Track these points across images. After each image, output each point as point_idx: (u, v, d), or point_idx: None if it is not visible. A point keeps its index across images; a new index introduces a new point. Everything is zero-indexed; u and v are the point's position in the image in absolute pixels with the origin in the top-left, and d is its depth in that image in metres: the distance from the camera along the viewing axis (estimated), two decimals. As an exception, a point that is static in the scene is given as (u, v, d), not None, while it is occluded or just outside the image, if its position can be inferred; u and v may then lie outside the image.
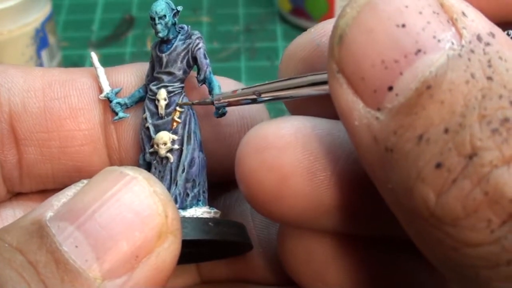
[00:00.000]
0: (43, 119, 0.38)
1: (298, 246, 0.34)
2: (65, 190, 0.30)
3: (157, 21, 0.36)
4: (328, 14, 0.85)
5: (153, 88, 0.37)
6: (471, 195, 0.23)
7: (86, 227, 0.28)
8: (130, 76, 0.39)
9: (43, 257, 0.27)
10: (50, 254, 0.28)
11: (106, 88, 0.38)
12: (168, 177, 0.37)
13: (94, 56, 0.39)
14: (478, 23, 0.26)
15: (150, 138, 0.37)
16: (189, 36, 0.37)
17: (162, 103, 0.37)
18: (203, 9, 0.93)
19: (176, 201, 0.36)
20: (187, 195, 0.37)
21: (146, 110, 0.37)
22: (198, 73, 0.37)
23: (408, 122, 0.25)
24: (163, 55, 0.37)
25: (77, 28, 0.90)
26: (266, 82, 0.34)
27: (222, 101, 0.36)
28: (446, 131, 0.24)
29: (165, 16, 0.36)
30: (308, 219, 0.32)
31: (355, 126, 0.26)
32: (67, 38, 0.87)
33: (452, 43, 0.25)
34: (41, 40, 0.68)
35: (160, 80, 0.37)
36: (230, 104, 0.36)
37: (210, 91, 0.37)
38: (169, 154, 0.37)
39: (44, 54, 0.70)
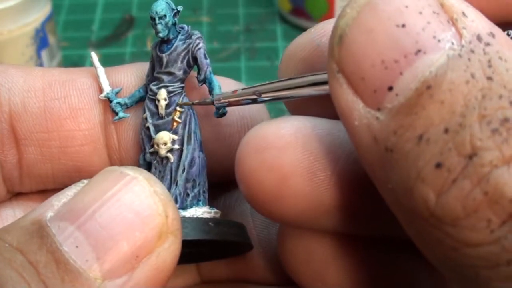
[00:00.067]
0: (43, 119, 0.38)
1: (298, 246, 0.34)
2: (65, 190, 0.30)
3: (157, 21, 0.36)
4: (328, 14, 0.85)
5: (153, 88, 0.37)
6: (471, 195, 0.23)
7: (86, 227, 0.28)
8: (130, 76, 0.39)
9: (44, 257, 0.27)
10: (51, 254, 0.28)
11: (106, 88, 0.38)
12: (168, 177, 0.37)
13: (94, 56, 0.39)
14: (478, 23, 0.26)
15: (150, 138, 0.37)
16: (189, 36, 0.37)
17: (162, 103, 0.37)
18: (203, 9, 0.93)
19: (176, 201, 0.36)
20: (187, 195, 0.37)
21: (146, 110, 0.37)
22: (198, 73, 0.37)
23: (408, 122, 0.25)
24: (163, 55, 0.37)
25: (77, 28, 0.90)
26: (267, 82, 0.34)
27: (222, 101, 0.36)
28: (446, 131, 0.24)
29: (165, 16, 0.36)
30: (308, 219, 0.32)
31: (355, 126, 0.26)
32: (67, 38, 0.87)
33: (452, 43, 0.25)
34: (41, 40, 0.68)
35: (160, 80, 0.37)
36: (230, 104, 0.36)
37: (210, 91, 0.37)
38: (169, 154, 0.37)
39: (44, 54, 0.70)
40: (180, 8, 0.37)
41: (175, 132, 0.37)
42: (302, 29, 0.36)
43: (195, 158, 0.37)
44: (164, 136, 0.37)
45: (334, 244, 0.33)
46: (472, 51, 0.25)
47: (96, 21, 0.91)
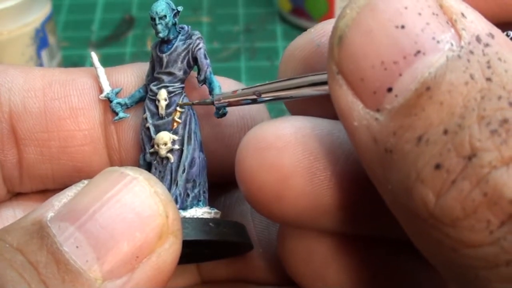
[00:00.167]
0: (43, 119, 0.38)
1: (298, 246, 0.34)
2: (66, 191, 0.30)
3: (157, 21, 0.36)
4: (328, 14, 0.85)
5: (154, 88, 0.37)
6: (470, 196, 0.23)
7: (86, 227, 0.28)
8: (130, 76, 0.39)
9: (44, 257, 0.28)
10: (51, 254, 0.28)
11: (107, 88, 0.38)
12: (169, 177, 0.37)
13: (94, 56, 0.39)
14: (477, 24, 0.26)
15: (150, 139, 0.37)
16: (189, 36, 0.37)
17: (163, 103, 0.37)
18: (203, 9, 0.93)
19: (176, 201, 0.36)
20: (188, 195, 0.37)
21: (147, 110, 0.37)
22: (199, 73, 0.37)
23: (407, 123, 0.25)
24: (164, 55, 0.37)
25: (77, 28, 0.89)
26: (267, 82, 0.34)
27: (222, 101, 0.36)
28: (445, 132, 0.24)
29: (165, 16, 0.36)
30: (308, 219, 0.32)
31: (354, 127, 0.26)
32: (67, 38, 0.87)
33: (451, 44, 0.25)
34: (41, 40, 0.68)
35: (160, 81, 0.37)
36: (230, 104, 0.36)
37: (211, 91, 0.37)
38: (169, 155, 0.37)
39: (44, 54, 0.70)
40: (180, 8, 0.37)
41: (175, 132, 0.37)
42: (302, 29, 0.36)
43: (195, 159, 0.37)
44: (164, 137, 0.37)
45: (334, 244, 0.33)
46: (471, 52, 0.25)
47: (96, 21, 0.91)
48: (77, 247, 0.28)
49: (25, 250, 0.28)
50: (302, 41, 0.34)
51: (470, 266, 0.24)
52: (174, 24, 0.37)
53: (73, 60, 0.83)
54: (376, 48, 0.26)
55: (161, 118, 0.37)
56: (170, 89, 0.37)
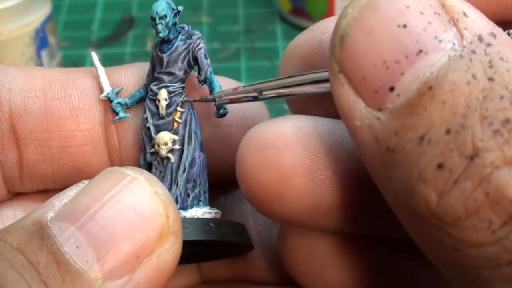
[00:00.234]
0: (43, 119, 0.38)
1: (299, 245, 0.34)
2: (66, 191, 0.30)
3: (157, 21, 0.36)
4: (328, 14, 0.85)
5: (154, 88, 0.37)
6: (472, 196, 0.23)
7: (87, 227, 0.28)
8: (130, 76, 0.39)
9: (44, 257, 0.27)
10: (51, 254, 0.28)
11: (107, 88, 0.38)
12: (169, 177, 0.37)
13: (94, 56, 0.39)
14: (479, 23, 0.26)
15: (151, 138, 0.37)
16: (189, 36, 0.37)
17: (163, 103, 0.37)
18: (203, 9, 0.93)
19: (177, 201, 0.36)
20: (188, 195, 0.37)
21: (147, 110, 0.37)
22: (199, 73, 0.37)
23: (409, 122, 0.25)
24: (164, 55, 0.37)
25: (77, 28, 0.89)
26: (268, 79, 0.34)
27: (224, 98, 0.36)
28: (448, 131, 0.24)
29: (165, 16, 0.36)
30: (309, 218, 0.32)
31: (356, 126, 0.26)
32: (67, 38, 0.87)
33: (454, 44, 0.25)
34: (41, 40, 0.68)
35: (160, 80, 0.37)
36: (231, 101, 0.36)
37: (211, 91, 0.37)
38: (170, 154, 0.37)
39: (44, 54, 0.70)
40: (180, 8, 0.37)
41: (175, 132, 0.37)
42: (302, 29, 0.36)
43: (195, 158, 0.37)
44: (165, 136, 0.37)
45: (335, 243, 0.33)
46: (473, 51, 0.25)
47: (96, 21, 0.91)
48: (77, 247, 0.28)
49: (25, 250, 0.28)
50: (303, 38, 0.34)
51: (472, 265, 0.24)
52: (175, 24, 0.37)
53: (73, 60, 0.83)
54: (378, 47, 0.26)
55: (162, 118, 0.37)
56: (171, 89, 0.37)
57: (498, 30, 0.26)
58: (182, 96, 0.37)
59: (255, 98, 0.34)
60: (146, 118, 0.37)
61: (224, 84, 0.37)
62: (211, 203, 0.38)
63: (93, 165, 0.39)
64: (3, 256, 0.27)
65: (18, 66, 0.39)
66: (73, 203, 0.29)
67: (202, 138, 0.38)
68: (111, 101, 0.38)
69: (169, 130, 0.37)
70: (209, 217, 0.37)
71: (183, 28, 0.37)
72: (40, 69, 0.40)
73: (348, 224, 0.32)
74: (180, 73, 0.37)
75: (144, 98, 0.38)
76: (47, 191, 0.40)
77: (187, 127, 0.37)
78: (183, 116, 0.37)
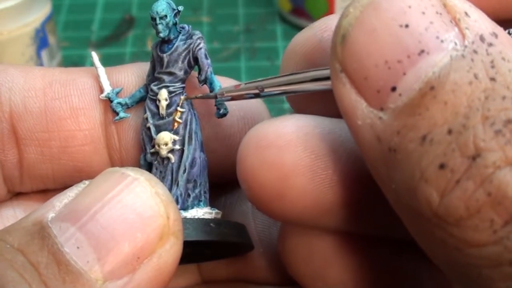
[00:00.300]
0: (43, 119, 0.38)
1: (299, 244, 0.34)
2: (67, 191, 0.30)
3: (158, 21, 0.36)
4: (328, 14, 0.85)
5: (154, 88, 0.37)
6: (474, 196, 0.23)
7: (87, 228, 0.28)
8: (130, 76, 0.39)
9: (45, 258, 0.27)
10: (52, 255, 0.28)
11: (107, 88, 0.38)
12: (169, 177, 0.37)
13: (94, 56, 0.39)
14: (481, 23, 0.26)
15: (151, 139, 0.37)
16: (190, 36, 0.37)
17: (163, 103, 0.37)
18: (203, 9, 0.93)
19: (177, 201, 0.36)
20: (188, 195, 0.37)
21: (147, 110, 0.37)
22: (199, 73, 0.37)
23: (411, 122, 0.25)
24: (164, 55, 0.37)
25: (77, 28, 0.89)
26: (269, 77, 0.34)
27: (225, 95, 0.36)
28: (450, 132, 0.24)
29: (166, 16, 0.36)
30: (310, 218, 0.32)
31: (358, 125, 0.26)
32: (67, 38, 0.87)
33: (455, 44, 0.25)
34: (41, 40, 0.68)
35: (161, 80, 0.37)
36: (233, 98, 0.36)
37: (211, 91, 0.37)
38: (170, 155, 0.37)
39: (44, 54, 0.70)
40: (180, 8, 0.37)
41: (176, 132, 0.37)
42: (302, 29, 0.36)
43: (196, 159, 0.37)
44: (165, 137, 0.37)
45: (336, 243, 0.33)
46: (475, 51, 0.25)
47: (96, 21, 0.91)
48: (78, 247, 0.28)
49: (26, 250, 0.28)
50: (304, 36, 0.34)
51: (473, 265, 0.24)
52: (175, 24, 0.37)
53: (73, 60, 0.83)
54: (379, 47, 0.26)
55: (162, 118, 0.37)
56: (171, 89, 0.37)
57: (499, 30, 0.26)
58: (182, 98, 0.37)
59: (256, 95, 0.34)
60: (147, 118, 0.37)
61: (224, 84, 0.37)
62: (212, 203, 0.38)
63: (93, 165, 0.39)
64: (3, 256, 0.27)
65: (18, 66, 0.39)
66: (73, 203, 0.29)
67: (203, 138, 0.38)
68: (111, 101, 0.38)
69: (170, 130, 0.37)
70: (209, 217, 0.36)
71: (183, 28, 0.37)
72: (40, 69, 0.40)
73: (349, 224, 0.32)
74: (180, 73, 0.37)
75: (144, 98, 0.38)
76: (47, 191, 0.40)
77: (188, 127, 0.37)
78: (184, 116, 0.37)
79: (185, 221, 0.34)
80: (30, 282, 0.27)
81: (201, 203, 0.37)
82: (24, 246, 0.28)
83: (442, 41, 0.25)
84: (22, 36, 0.66)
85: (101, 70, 0.38)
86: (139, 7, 0.94)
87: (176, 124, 0.37)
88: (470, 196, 0.23)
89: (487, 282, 0.24)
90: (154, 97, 0.37)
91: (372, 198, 0.30)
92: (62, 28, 0.89)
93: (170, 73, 0.37)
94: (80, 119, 0.38)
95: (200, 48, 0.37)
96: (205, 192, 0.37)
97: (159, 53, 0.37)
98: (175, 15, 0.36)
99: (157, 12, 0.36)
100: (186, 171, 0.36)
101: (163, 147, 0.36)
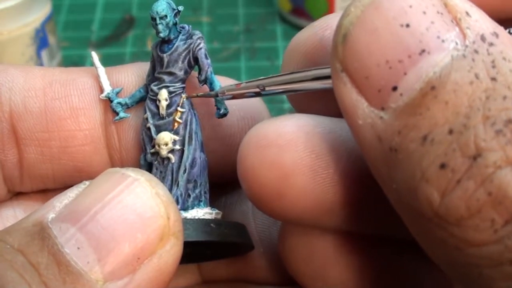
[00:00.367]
0: (43, 118, 0.38)
1: (299, 244, 0.34)
2: (67, 192, 0.30)
3: (158, 21, 0.36)
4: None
5: (154, 88, 0.37)
6: (475, 196, 0.23)
7: (88, 228, 0.28)
8: (130, 76, 0.39)
9: (45, 258, 0.27)
10: (52, 255, 0.28)
11: (107, 88, 0.38)
12: (170, 177, 0.37)
13: (94, 56, 0.39)
14: (481, 23, 0.26)
15: (151, 139, 0.37)
16: (190, 36, 0.37)
17: (163, 103, 0.37)
18: (203, 9, 0.93)
19: (177, 202, 0.36)
20: (189, 195, 0.37)
21: (147, 110, 0.37)
22: (199, 73, 0.37)
23: (412, 122, 0.25)
24: (164, 55, 0.37)
25: (77, 28, 0.89)
26: (270, 75, 0.34)
27: (227, 93, 0.36)
28: (451, 132, 0.24)
29: (166, 16, 0.36)
30: (310, 217, 0.32)
31: (359, 125, 0.26)
32: (67, 38, 0.87)
33: (456, 43, 0.25)
34: (41, 40, 0.68)
35: (161, 80, 0.37)
36: (234, 97, 0.36)
37: (211, 91, 0.37)
38: (170, 155, 0.37)
39: (44, 54, 0.70)
40: (180, 8, 0.37)
41: (176, 132, 0.37)
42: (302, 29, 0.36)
43: (196, 159, 0.37)
44: (165, 137, 0.37)
45: (336, 242, 0.33)
46: (476, 51, 0.25)
47: (96, 21, 0.91)
48: (78, 248, 0.28)
49: (26, 251, 0.28)
50: (305, 35, 0.34)
51: (474, 264, 0.24)
52: (175, 24, 0.37)
53: (73, 60, 0.83)
54: (381, 46, 0.26)
55: (162, 118, 0.37)
56: (171, 89, 0.37)
57: (500, 30, 0.26)
58: (182, 97, 0.37)
59: (257, 94, 0.34)
60: (147, 118, 0.37)
61: (224, 84, 0.37)
62: (212, 203, 0.38)
63: (94, 165, 0.39)
64: (3, 257, 0.27)
65: (18, 66, 0.39)
66: (74, 204, 0.29)
67: (203, 138, 0.38)
68: (111, 101, 0.38)
69: (170, 131, 0.37)
70: (210, 217, 0.36)
71: (183, 28, 0.37)
72: (40, 68, 0.40)
73: (350, 223, 0.32)
74: (180, 73, 0.37)
75: (144, 98, 0.38)
76: (47, 191, 0.40)
77: (188, 127, 0.37)
78: (184, 116, 0.37)
79: (186, 221, 0.34)
80: (30, 283, 0.27)
81: (201, 204, 0.37)
82: (24, 247, 0.28)
83: (443, 40, 0.25)
84: (22, 36, 0.66)
85: (101, 70, 0.38)
86: (139, 7, 0.94)
87: (176, 124, 0.37)
88: (471, 196, 0.23)
89: (488, 281, 0.24)
90: (154, 97, 0.37)
91: (372, 197, 0.29)
92: (62, 28, 0.89)
93: (170, 73, 0.37)
94: (80, 119, 0.38)
95: (200, 48, 0.37)
96: (205, 192, 0.37)
97: (159, 53, 0.37)
98: (175, 15, 0.36)
99: (157, 12, 0.36)
100: (186, 171, 0.36)
101: (163, 147, 0.36)
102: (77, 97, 0.38)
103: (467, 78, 0.24)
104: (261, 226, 0.40)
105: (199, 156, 0.37)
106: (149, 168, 0.37)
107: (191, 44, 0.37)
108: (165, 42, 0.37)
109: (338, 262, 0.33)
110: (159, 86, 0.37)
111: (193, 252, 0.37)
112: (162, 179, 0.36)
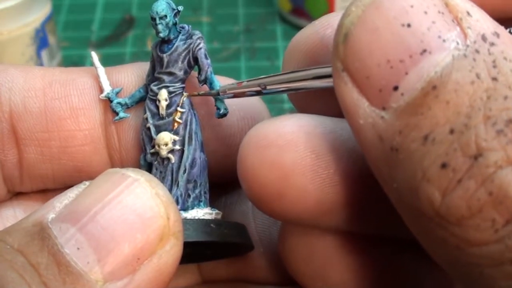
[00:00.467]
0: (43, 119, 0.38)
1: (299, 244, 0.34)
2: (67, 192, 0.30)
3: (158, 21, 0.36)
4: (328, 14, 0.85)
5: (154, 88, 0.37)
6: (475, 195, 0.23)
7: (88, 229, 0.28)
8: (130, 76, 0.39)
9: (45, 259, 0.27)
10: (52, 256, 0.27)
11: (107, 88, 0.38)
12: (169, 178, 0.37)
13: (94, 56, 0.39)
14: (482, 22, 0.26)
15: (151, 139, 0.37)
16: (190, 36, 0.37)
17: (163, 103, 0.37)
18: (203, 9, 0.93)
19: (177, 202, 0.36)
20: (189, 196, 0.37)
21: (147, 111, 0.37)
22: (199, 73, 0.37)
23: (413, 122, 0.25)
24: (164, 55, 0.37)
25: (77, 28, 0.89)
26: (271, 74, 0.34)
27: (228, 92, 0.36)
28: (452, 131, 0.24)
29: (166, 16, 0.36)
30: (310, 217, 0.32)
31: (360, 124, 0.26)
32: (67, 38, 0.87)
33: (457, 43, 0.25)
34: (41, 40, 0.68)
35: (161, 81, 0.37)
36: (235, 95, 0.36)
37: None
38: (170, 155, 0.37)
39: (44, 54, 0.69)
40: (180, 8, 0.37)
41: (176, 132, 0.37)
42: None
43: (196, 159, 0.37)
44: (165, 137, 0.36)
45: (336, 242, 0.33)
46: (477, 51, 0.25)
47: (96, 21, 0.91)
48: (78, 248, 0.28)
49: (26, 251, 0.28)
50: (306, 34, 0.34)
51: (475, 264, 0.24)
52: (175, 24, 0.37)
53: (73, 60, 0.83)
54: (382, 46, 0.26)
55: (162, 118, 0.37)
56: (171, 89, 0.37)
57: (501, 30, 0.26)
58: (182, 97, 0.37)
59: (258, 93, 0.34)
60: (146, 118, 0.37)
61: (224, 83, 0.37)
62: (212, 203, 0.38)
63: (93, 165, 0.39)
64: (3, 257, 0.27)
65: (18, 66, 0.39)
66: (73, 204, 0.29)
67: (203, 139, 0.38)
68: (111, 101, 0.38)
69: (170, 131, 0.37)
70: (209, 218, 0.36)
71: (183, 28, 0.37)
72: (40, 69, 0.40)
73: (350, 223, 0.32)
74: (180, 73, 0.37)
75: (144, 98, 0.38)
76: (47, 191, 0.40)
77: (188, 127, 0.37)
78: (184, 117, 0.37)
79: (185, 221, 0.34)
80: (30, 283, 0.27)
81: (201, 204, 0.37)
82: (24, 247, 0.28)
83: (444, 40, 0.25)
84: (22, 36, 0.66)
85: (101, 70, 0.38)
86: (139, 7, 0.94)
87: (176, 124, 0.37)
88: (472, 195, 0.23)
89: (489, 281, 0.24)
90: (154, 97, 0.37)
91: (373, 197, 0.29)
92: (62, 28, 0.89)
93: (170, 73, 0.37)
94: (80, 119, 0.38)
95: (200, 48, 0.37)
96: (205, 193, 0.37)
97: (159, 53, 0.37)
98: (175, 15, 0.36)
99: (157, 12, 0.36)
100: (186, 171, 0.36)
101: (163, 147, 0.36)
102: (77, 97, 0.38)
103: (468, 78, 0.24)
104: (261, 226, 0.40)
105: (199, 156, 0.37)
106: (149, 168, 0.37)
107: (191, 44, 0.37)
108: (165, 42, 0.37)
109: (338, 262, 0.33)
110: (159, 86, 0.37)
111: (193, 252, 0.37)
112: (162, 179, 0.36)
